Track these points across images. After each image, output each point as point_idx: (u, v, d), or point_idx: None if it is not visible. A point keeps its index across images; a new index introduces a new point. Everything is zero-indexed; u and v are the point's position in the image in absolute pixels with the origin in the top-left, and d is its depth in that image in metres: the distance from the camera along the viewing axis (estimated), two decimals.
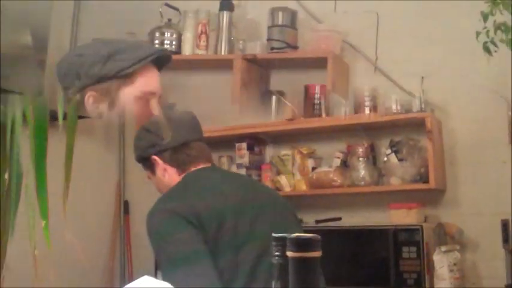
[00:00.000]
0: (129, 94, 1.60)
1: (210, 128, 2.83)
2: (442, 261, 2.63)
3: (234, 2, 3.14)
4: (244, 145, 2.95)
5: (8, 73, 2.67)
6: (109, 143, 3.30)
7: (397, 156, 2.77)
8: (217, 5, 3.10)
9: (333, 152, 2.92)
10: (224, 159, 3.02)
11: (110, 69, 1.58)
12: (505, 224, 2.64)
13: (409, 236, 2.64)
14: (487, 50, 2.32)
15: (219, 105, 3.05)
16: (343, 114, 2.82)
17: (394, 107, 2.75)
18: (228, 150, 3.05)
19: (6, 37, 2.63)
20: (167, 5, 3.10)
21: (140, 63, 1.59)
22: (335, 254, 2.64)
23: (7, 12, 2.64)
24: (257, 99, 3.12)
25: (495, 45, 2.33)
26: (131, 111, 1.61)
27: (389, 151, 2.78)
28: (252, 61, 3.09)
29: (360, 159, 2.79)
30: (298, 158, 2.86)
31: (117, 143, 3.30)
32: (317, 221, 2.77)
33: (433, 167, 2.70)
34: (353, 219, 2.94)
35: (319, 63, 2.96)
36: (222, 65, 3.10)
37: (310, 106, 2.95)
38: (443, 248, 2.65)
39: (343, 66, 3.08)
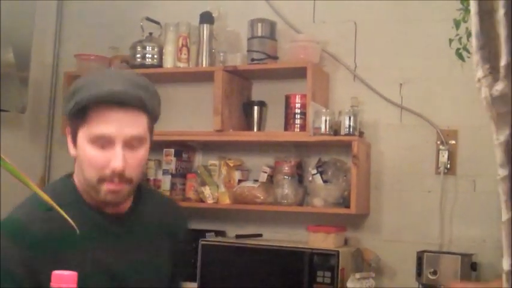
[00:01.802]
0: (82, 136, 1.75)
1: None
2: None
3: (213, 14, 4.00)
4: (171, 151, 3.74)
5: None
6: (36, 137, 4.25)
7: (322, 177, 3.39)
8: (197, 18, 3.94)
9: (261, 165, 3.62)
10: (152, 163, 3.82)
11: (67, 107, 1.78)
12: (420, 257, 3.09)
13: (325, 260, 3.21)
14: (460, 56, 2.91)
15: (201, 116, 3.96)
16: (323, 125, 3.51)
17: (322, 127, 3.38)
18: (157, 155, 3.83)
19: None
20: (148, 19, 4.02)
21: (84, 103, 1.71)
22: (251, 271, 3.35)
23: None
24: (239, 110, 3.93)
25: (468, 51, 2.89)
26: (84, 156, 1.75)
27: (315, 171, 3.41)
28: (233, 72, 3.83)
29: (285, 177, 3.46)
30: (224, 169, 3.59)
31: (44, 138, 4.27)
32: (237, 236, 3.48)
33: (355, 192, 3.27)
34: (275, 235, 3.61)
35: (299, 72, 3.59)
36: (204, 77, 3.87)
37: (291, 115, 3.68)
38: (357, 275, 3.17)
39: (322, 76, 3.70)
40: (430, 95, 3.48)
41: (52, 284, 1.12)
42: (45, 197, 0.93)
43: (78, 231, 1.10)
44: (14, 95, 3.92)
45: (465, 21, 2.86)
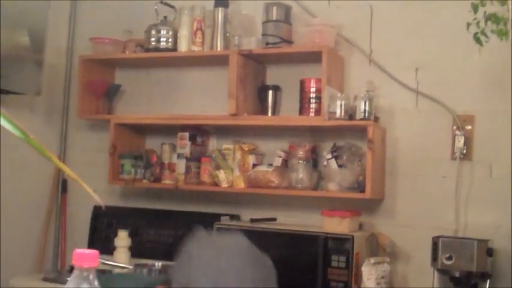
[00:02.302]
0: None
1: (154, 115, 3.81)
2: (370, 273, 3.17)
3: None
4: (186, 135, 3.76)
5: (6, 73, 3.71)
6: (51, 120, 4.30)
7: (337, 162, 3.39)
8: (212, 1, 3.93)
9: (276, 149, 3.63)
10: (166, 147, 3.86)
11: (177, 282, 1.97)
12: (435, 243, 3.09)
13: (340, 244, 3.22)
14: (478, 40, 2.90)
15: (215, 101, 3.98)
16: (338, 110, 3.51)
17: (337, 112, 3.38)
18: (171, 138, 3.88)
19: (4, 38, 3.65)
20: (163, 2, 4.02)
21: None
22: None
23: (5, 14, 3.60)
24: (254, 94, 3.94)
25: (486, 35, 2.89)
26: None
27: (329, 156, 3.42)
28: (247, 56, 3.84)
29: (300, 161, 3.47)
30: (238, 153, 3.60)
31: (59, 121, 4.32)
32: (252, 220, 3.50)
33: (370, 177, 3.27)
34: (289, 219, 3.63)
35: (314, 57, 3.59)
36: (218, 61, 3.89)
37: (305, 100, 3.69)
38: (372, 260, 3.18)
39: (338, 60, 3.70)
40: (447, 80, 3.47)
41: (74, 262, 1.14)
42: (68, 170, 0.94)
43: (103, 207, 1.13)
44: (29, 78, 3.97)
45: (483, 5, 2.86)
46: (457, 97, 3.43)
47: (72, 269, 1.15)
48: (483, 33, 2.85)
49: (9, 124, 0.94)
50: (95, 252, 1.14)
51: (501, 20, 2.83)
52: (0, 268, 3.78)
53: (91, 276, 1.14)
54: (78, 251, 1.14)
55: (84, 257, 1.14)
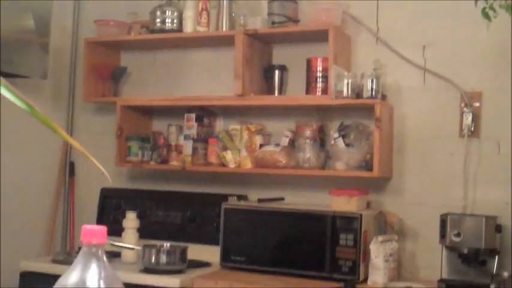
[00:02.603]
0: None
1: (161, 97, 3.82)
2: (378, 251, 3.18)
3: None
4: (192, 116, 3.76)
5: (12, 57, 3.75)
6: (57, 103, 4.30)
7: (344, 141, 3.39)
8: None
9: (283, 129, 3.63)
10: (173, 128, 3.86)
11: None
12: (443, 220, 3.10)
13: (348, 223, 3.23)
14: (486, 16, 2.89)
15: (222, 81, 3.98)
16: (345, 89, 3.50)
17: (344, 91, 3.37)
18: (178, 120, 3.89)
19: (9, 22, 3.67)
20: None
21: None
22: (273, 235, 3.38)
23: None
24: (260, 74, 3.93)
25: (494, 10, 2.88)
26: None
27: (337, 135, 3.42)
28: (253, 36, 3.82)
29: (307, 140, 3.47)
30: (245, 134, 3.60)
31: (65, 104, 4.33)
32: (260, 200, 3.51)
33: (377, 155, 3.27)
34: (296, 199, 3.65)
35: (320, 36, 3.58)
36: (224, 41, 3.89)
37: (312, 79, 3.68)
38: (380, 238, 3.19)
39: (344, 38, 3.68)
40: (454, 57, 3.46)
41: (82, 238, 1.14)
42: (76, 144, 0.95)
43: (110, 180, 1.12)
44: (35, 61, 3.97)
45: None
46: (464, 74, 3.42)
47: (80, 250, 1.15)
48: (491, 8, 2.83)
49: (13, 95, 0.94)
50: (103, 228, 1.15)
51: None
52: (11, 251, 3.81)
53: (99, 252, 1.14)
54: (87, 226, 1.14)
55: (93, 233, 1.14)
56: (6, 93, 0.91)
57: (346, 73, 3.45)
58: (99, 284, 1.11)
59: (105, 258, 1.14)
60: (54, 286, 1.12)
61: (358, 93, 3.38)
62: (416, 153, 3.47)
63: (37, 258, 3.78)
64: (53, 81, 4.24)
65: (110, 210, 4.05)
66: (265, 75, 3.84)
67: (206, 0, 3.96)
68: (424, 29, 3.53)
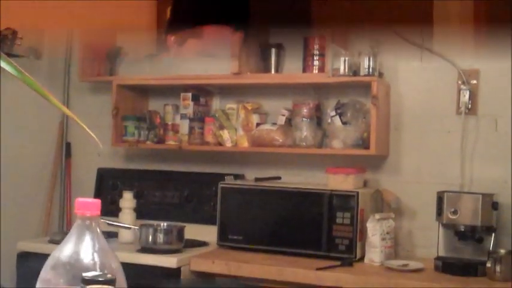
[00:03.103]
0: None
1: (157, 76, 3.82)
2: (375, 229, 3.20)
3: None
4: (189, 95, 3.76)
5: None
6: (53, 83, 4.29)
7: (341, 119, 3.40)
8: None
9: (280, 108, 3.64)
10: (169, 108, 3.86)
11: None
12: (440, 197, 3.11)
13: (344, 201, 3.24)
14: None
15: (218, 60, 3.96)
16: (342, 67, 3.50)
17: (341, 68, 3.37)
18: (174, 99, 3.89)
19: None
20: None
21: None
22: (270, 214, 3.40)
23: None
24: (256, 53, 3.94)
25: None
26: None
27: (333, 113, 3.43)
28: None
29: (304, 119, 3.48)
30: (242, 113, 3.60)
31: (61, 84, 4.33)
32: (256, 179, 3.52)
33: (374, 133, 3.28)
34: (294, 178, 3.66)
35: None
36: None
37: (309, 57, 3.67)
38: (377, 216, 3.21)
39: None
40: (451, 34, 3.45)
41: (76, 211, 1.15)
42: (66, 110, 0.95)
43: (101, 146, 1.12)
44: (30, 41, 3.96)
45: None
46: (461, 52, 3.41)
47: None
48: None
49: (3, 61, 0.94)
50: (97, 200, 1.16)
51: None
52: (8, 232, 3.82)
53: (93, 225, 1.15)
54: (80, 199, 1.15)
55: (87, 205, 1.15)
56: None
57: (343, 51, 3.45)
58: (93, 256, 1.12)
59: (99, 230, 1.15)
60: (49, 258, 1.13)
61: (355, 71, 3.38)
62: (413, 131, 3.47)
63: (34, 239, 3.79)
64: (48, 61, 4.23)
65: (107, 190, 4.06)
66: (262, 54, 3.83)
67: None
68: None
